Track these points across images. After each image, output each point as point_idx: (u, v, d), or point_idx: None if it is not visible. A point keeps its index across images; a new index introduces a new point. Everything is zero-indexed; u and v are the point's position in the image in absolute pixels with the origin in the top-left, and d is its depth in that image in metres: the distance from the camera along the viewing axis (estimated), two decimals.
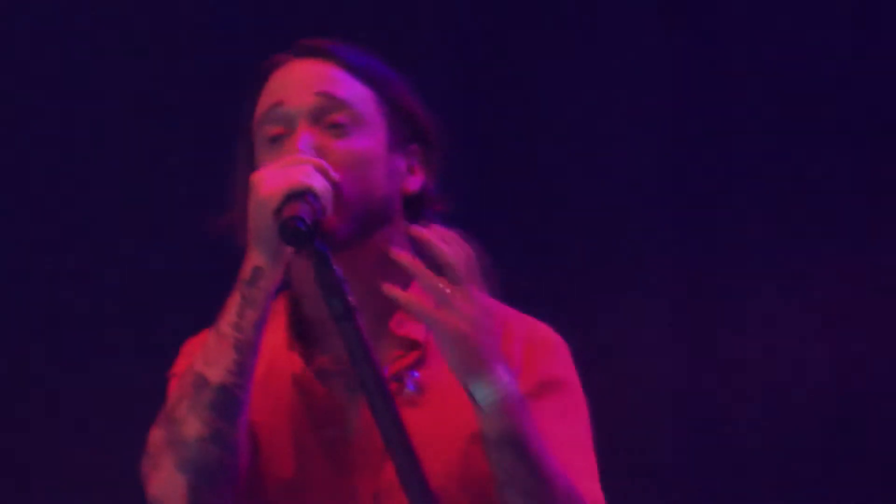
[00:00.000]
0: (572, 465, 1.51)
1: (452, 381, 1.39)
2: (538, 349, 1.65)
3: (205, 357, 1.42)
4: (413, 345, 1.57)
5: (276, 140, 1.57)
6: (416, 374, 1.56)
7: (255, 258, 1.40)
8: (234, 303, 1.40)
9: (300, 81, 1.63)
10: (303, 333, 1.60)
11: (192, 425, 1.38)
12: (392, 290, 1.38)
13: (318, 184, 1.40)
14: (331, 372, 1.55)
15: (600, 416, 1.73)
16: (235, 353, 1.40)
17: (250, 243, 1.40)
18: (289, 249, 1.37)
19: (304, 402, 1.55)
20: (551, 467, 1.43)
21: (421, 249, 1.45)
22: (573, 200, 4.30)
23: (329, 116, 1.55)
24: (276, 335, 1.57)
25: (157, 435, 1.39)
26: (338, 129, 1.55)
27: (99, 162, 4.27)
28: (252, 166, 1.53)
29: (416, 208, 1.66)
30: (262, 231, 1.36)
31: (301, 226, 1.31)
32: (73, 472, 3.85)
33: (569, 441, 1.56)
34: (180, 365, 1.58)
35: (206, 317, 1.55)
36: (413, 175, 1.65)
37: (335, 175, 1.46)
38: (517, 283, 2.00)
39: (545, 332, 1.70)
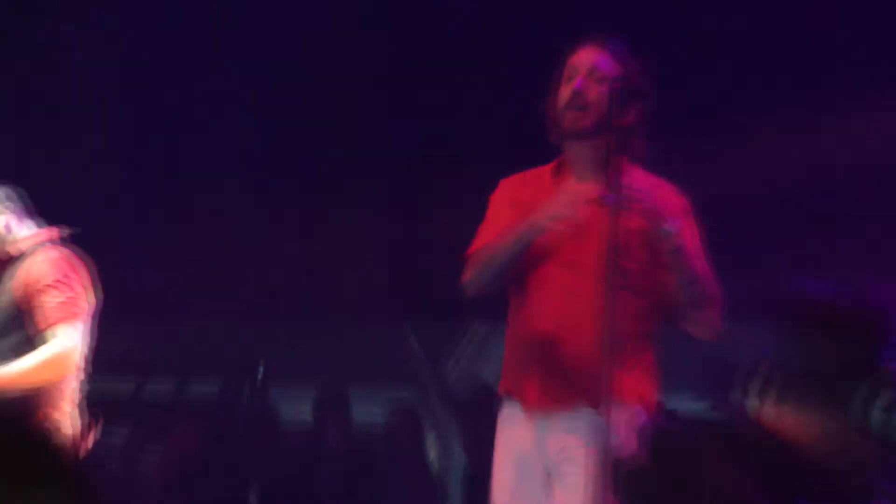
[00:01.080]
0: (706, 266, 3.43)
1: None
2: (674, 199, 3.51)
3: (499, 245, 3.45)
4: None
5: (567, 80, 3.48)
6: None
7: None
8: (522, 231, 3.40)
9: (583, 55, 3.55)
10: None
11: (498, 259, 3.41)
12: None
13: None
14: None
15: None
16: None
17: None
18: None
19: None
20: (702, 266, 3.37)
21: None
22: None
23: (594, 74, 3.46)
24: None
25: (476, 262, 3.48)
26: (598, 81, 3.43)
27: None
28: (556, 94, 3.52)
29: (626, 134, 3.42)
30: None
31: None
32: None
33: (700, 252, 3.43)
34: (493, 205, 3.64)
35: None
36: (628, 116, 3.39)
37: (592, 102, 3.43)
38: None
39: (675, 190, 3.60)
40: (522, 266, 3.43)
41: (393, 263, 8.13)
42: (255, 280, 7.98)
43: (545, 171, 3.60)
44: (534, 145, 3.81)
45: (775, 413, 2.45)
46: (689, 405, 6.56)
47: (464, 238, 3.62)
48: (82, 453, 4.35)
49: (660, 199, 3.32)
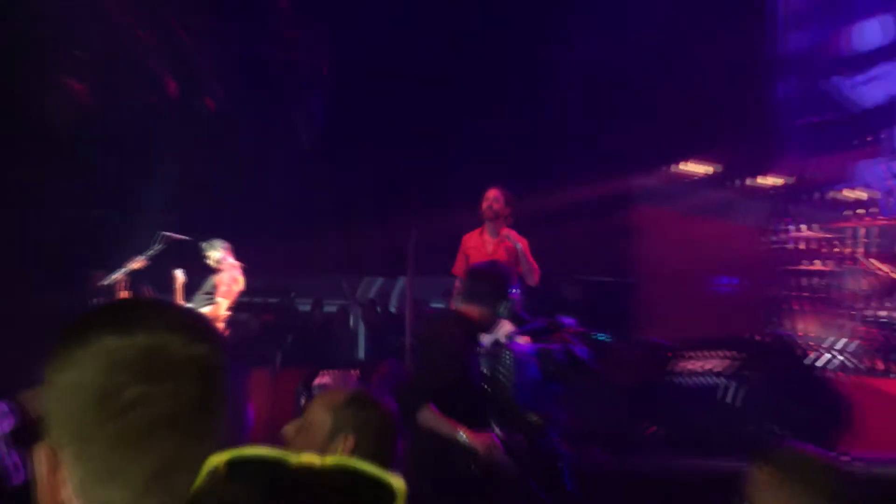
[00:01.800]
0: (532, 261, 8.19)
1: None
2: (520, 238, 8.19)
3: None
4: None
5: (486, 200, 8.07)
6: None
7: None
8: None
9: (493, 192, 8.00)
10: None
11: None
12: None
13: None
14: None
15: None
16: None
17: None
18: None
19: None
20: (530, 260, 7.96)
21: None
22: None
23: (496, 199, 8.04)
24: None
25: None
26: (496, 201, 7.97)
27: None
28: None
29: (505, 219, 8.08)
30: None
31: None
32: None
33: (529, 256, 8.08)
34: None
35: None
36: (507, 213, 8.03)
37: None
38: None
39: (518, 235, 8.27)
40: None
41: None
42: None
43: (476, 232, 8.24)
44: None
45: None
46: None
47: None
48: None
49: (516, 237, 7.96)
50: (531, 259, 8.00)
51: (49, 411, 1.18)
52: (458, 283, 7.70)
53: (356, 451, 3.06)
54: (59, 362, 1.17)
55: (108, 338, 1.15)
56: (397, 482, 0.93)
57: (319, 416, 3.23)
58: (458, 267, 8.35)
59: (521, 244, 8.00)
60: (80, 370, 1.15)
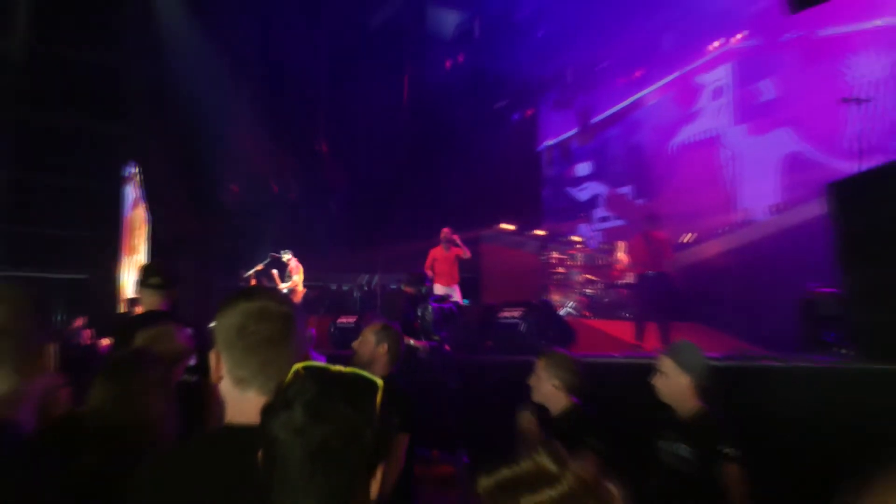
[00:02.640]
0: (468, 252, 15.13)
1: None
2: (460, 245, 14.99)
3: None
4: None
5: (443, 235, 14.89)
6: None
7: None
8: None
9: (446, 230, 14.86)
10: None
11: None
12: None
13: None
14: None
15: None
16: None
17: None
18: None
19: None
20: (466, 252, 15.14)
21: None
22: None
23: (447, 235, 14.60)
24: None
25: None
26: (448, 239, 14.76)
27: None
28: None
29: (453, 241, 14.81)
30: None
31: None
32: None
33: (465, 248, 15.17)
34: None
35: None
36: (454, 239, 14.54)
37: None
38: None
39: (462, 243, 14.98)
40: None
41: None
42: None
43: (440, 247, 14.68)
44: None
45: None
46: None
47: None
48: None
49: (456, 249, 14.49)
50: (464, 254, 14.50)
51: (216, 335, 2.14)
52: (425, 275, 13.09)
53: (388, 352, 5.30)
54: (221, 312, 2.16)
55: (241, 302, 2.15)
56: (379, 380, 1.74)
57: (368, 335, 5.34)
58: (426, 266, 14.25)
59: (460, 252, 14.44)
60: (230, 316, 2.13)
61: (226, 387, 2.17)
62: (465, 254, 14.79)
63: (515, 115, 23.20)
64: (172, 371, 3.32)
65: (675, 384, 4.72)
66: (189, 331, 4.72)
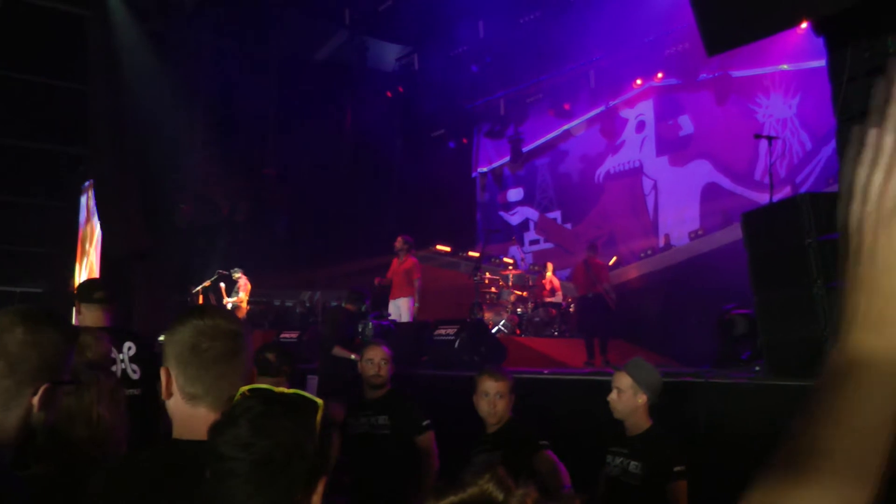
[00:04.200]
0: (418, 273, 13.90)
1: None
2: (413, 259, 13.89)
3: None
4: None
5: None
6: None
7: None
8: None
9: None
10: None
11: None
12: None
13: None
14: None
15: None
16: None
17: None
18: None
19: None
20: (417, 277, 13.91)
21: None
22: None
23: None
24: None
25: None
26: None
27: None
28: None
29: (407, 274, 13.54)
30: None
31: None
32: None
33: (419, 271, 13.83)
34: None
35: None
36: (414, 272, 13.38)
37: None
38: None
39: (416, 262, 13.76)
40: None
41: None
42: None
43: (396, 259, 13.60)
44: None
45: None
46: None
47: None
48: None
49: (407, 259, 13.55)
50: (417, 273, 13.39)
51: (167, 352, 2.14)
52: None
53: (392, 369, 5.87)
54: (172, 330, 2.15)
55: (194, 320, 2.14)
56: (319, 400, 1.74)
57: (380, 362, 5.86)
58: (388, 274, 13.80)
59: (408, 265, 13.36)
60: (182, 334, 2.12)
61: (175, 403, 2.14)
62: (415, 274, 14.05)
63: (451, 143, 23.54)
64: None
65: (631, 401, 4.67)
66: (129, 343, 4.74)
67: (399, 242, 13.91)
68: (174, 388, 2.12)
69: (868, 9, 5.96)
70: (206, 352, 2.10)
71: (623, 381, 4.70)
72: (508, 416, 4.92)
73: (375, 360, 5.85)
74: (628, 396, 4.66)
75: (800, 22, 7.07)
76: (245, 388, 1.74)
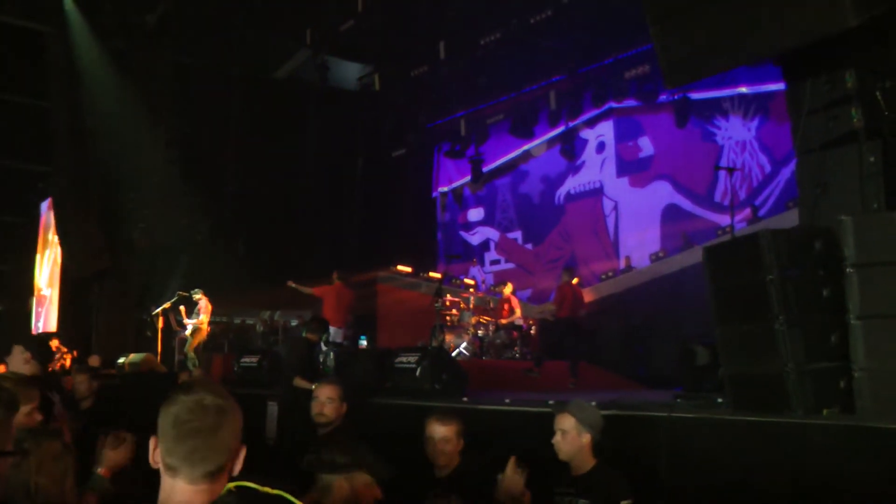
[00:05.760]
0: None
1: None
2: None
3: None
4: None
5: None
6: None
7: None
8: None
9: None
10: None
11: None
12: None
13: None
14: None
15: None
16: None
17: None
18: None
19: None
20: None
21: None
22: None
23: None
24: None
25: None
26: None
27: None
28: None
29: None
30: None
31: None
32: None
33: None
34: None
35: None
36: None
37: None
38: None
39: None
40: None
41: None
42: None
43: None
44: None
45: None
46: None
47: None
48: None
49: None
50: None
51: (158, 422, 2.19)
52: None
53: (346, 408, 5.86)
54: (164, 403, 2.20)
55: (180, 395, 2.18)
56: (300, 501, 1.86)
57: (334, 397, 5.89)
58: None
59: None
60: (169, 407, 2.18)
61: (161, 473, 2.17)
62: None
63: (411, 163, 23.74)
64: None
65: (575, 442, 4.73)
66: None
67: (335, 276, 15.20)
68: (158, 457, 2.16)
69: (826, 43, 6.06)
70: (184, 425, 2.12)
71: (566, 422, 4.78)
72: (457, 459, 4.94)
73: (320, 398, 5.86)
74: (573, 437, 4.74)
75: (760, 58, 7.16)
76: (231, 485, 1.78)
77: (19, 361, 5.53)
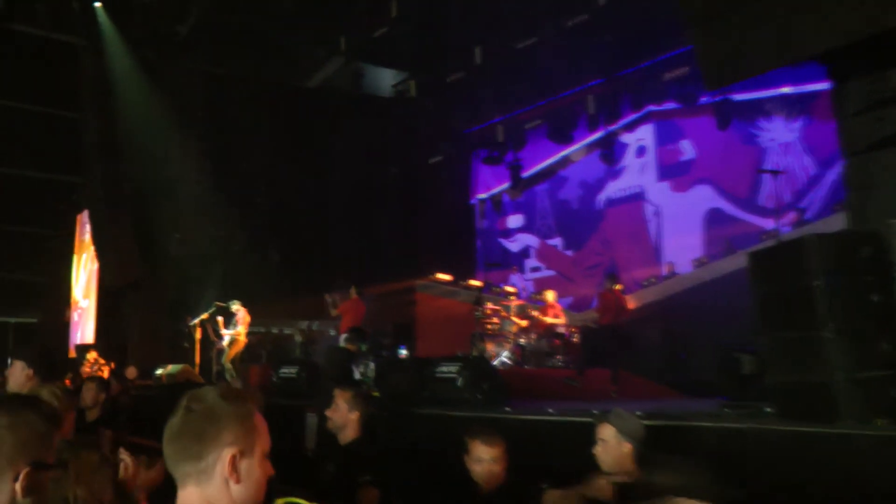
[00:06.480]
0: None
1: None
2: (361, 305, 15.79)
3: None
4: None
5: None
6: None
7: None
8: None
9: None
10: None
11: None
12: None
13: None
14: None
15: None
16: None
17: None
18: None
19: None
20: None
21: None
22: None
23: None
24: None
25: None
26: None
27: None
28: None
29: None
30: None
31: None
32: None
33: None
34: None
35: None
36: None
37: None
38: None
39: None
40: None
41: None
42: None
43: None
44: None
45: None
46: None
47: None
48: None
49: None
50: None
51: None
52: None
53: (359, 418, 5.67)
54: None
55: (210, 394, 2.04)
56: None
57: (340, 403, 5.74)
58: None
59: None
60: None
61: None
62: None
63: (448, 170, 23.75)
64: None
65: (615, 452, 4.71)
66: None
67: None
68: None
69: (872, 42, 6.00)
70: (166, 430, 2.04)
71: (606, 431, 4.77)
72: (503, 477, 4.92)
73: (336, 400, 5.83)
74: (613, 447, 4.72)
75: (804, 58, 7.09)
76: (281, 501, 1.75)
77: (20, 378, 5.26)
